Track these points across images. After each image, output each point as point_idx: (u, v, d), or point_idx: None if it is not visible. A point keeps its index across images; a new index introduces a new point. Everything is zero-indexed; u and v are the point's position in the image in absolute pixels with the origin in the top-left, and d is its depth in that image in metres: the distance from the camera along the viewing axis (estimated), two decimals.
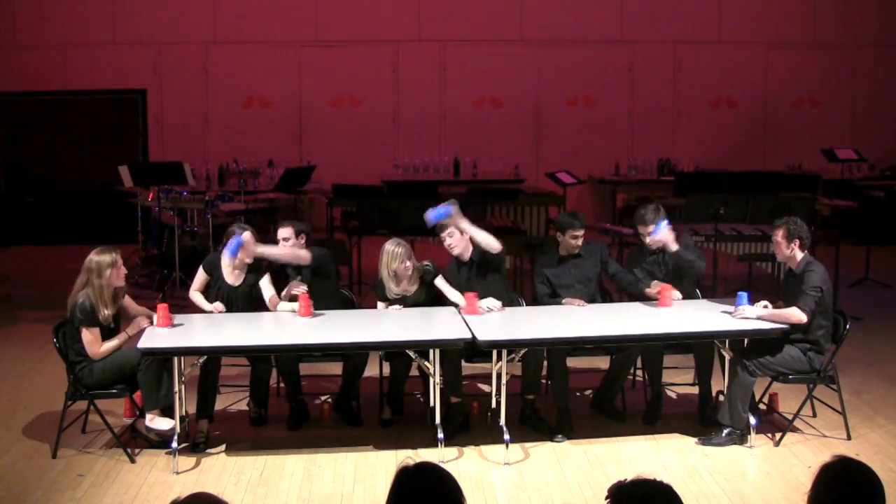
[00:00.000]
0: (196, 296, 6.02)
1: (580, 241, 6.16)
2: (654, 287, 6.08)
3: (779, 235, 5.70)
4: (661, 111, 13.45)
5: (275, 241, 6.29)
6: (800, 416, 5.79)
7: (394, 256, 5.94)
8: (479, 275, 6.10)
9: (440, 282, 6.06)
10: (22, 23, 12.71)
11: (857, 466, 2.75)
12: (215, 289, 6.02)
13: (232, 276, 6.03)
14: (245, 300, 6.02)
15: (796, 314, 5.52)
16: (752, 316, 5.64)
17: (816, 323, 5.60)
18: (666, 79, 13.41)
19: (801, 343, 5.63)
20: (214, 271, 6.03)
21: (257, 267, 6.12)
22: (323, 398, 6.30)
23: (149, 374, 5.35)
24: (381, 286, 6.08)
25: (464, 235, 6.02)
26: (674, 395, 6.56)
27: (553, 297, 6.18)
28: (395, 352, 5.83)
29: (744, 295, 5.75)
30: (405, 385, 6.10)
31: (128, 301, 5.71)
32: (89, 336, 5.40)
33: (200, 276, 6.04)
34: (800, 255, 5.68)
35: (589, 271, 6.24)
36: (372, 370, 6.20)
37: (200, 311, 5.98)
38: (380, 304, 6.12)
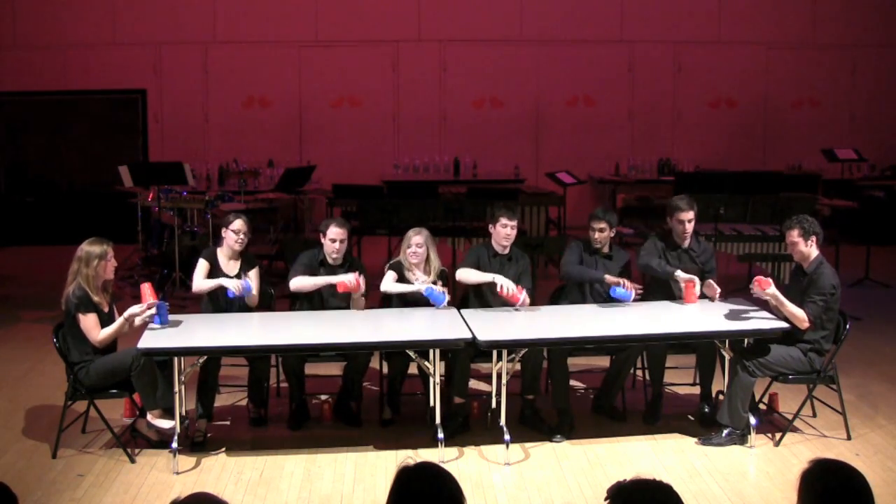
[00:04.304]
0: (203, 284, 5.94)
1: (599, 235, 6.17)
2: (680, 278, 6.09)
3: (794, 235, 5.66)
4: (661, 111, 13.45)
5: (274, 241, 6.28)
6: (800, 416, 5.79)
7: (405, 240, 6.10)
8: (505, 268, 6.12)
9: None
10: (22, 23, 12.71)
11: (836, 466, 2.73)
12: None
13: (228, 266, 6.05)
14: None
15: (803, 317, 5.51)
16: (770, 293, 5.54)
17: (820, 325, 5.59)
18: (666, 79, 13.41)
19: (802, 344, 5.62)
20: (213, 262, 6.03)
21: (250, 259, 6.15)
22: (323, 398, 6.30)
23: (142, 377, 5.34)
24: (398, 264, 6.14)
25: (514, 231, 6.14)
26: (674, 395, 6.55)
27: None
28: (394, 352, 5.84)
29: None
30: (404, 385, 6.11)
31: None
32: (88, 322, 5.38)
33: (203, 266, 5.99)
34: (814, 253, 5.67)
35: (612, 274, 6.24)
36: (372, 370, 6.20)
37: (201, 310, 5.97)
38: (388, 273, 6.12)
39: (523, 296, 5.92)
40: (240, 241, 6.02)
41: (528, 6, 13.17)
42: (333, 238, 6.01)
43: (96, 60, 12.78)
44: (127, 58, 12.83)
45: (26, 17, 12.69)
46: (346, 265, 6.10)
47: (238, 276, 6.03)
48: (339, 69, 13.12)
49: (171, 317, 5.69)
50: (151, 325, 5.56)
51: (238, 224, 6.01)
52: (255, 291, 6.03)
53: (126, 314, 5.48)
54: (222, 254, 6.08)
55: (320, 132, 13.19)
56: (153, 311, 5.53)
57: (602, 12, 13.23)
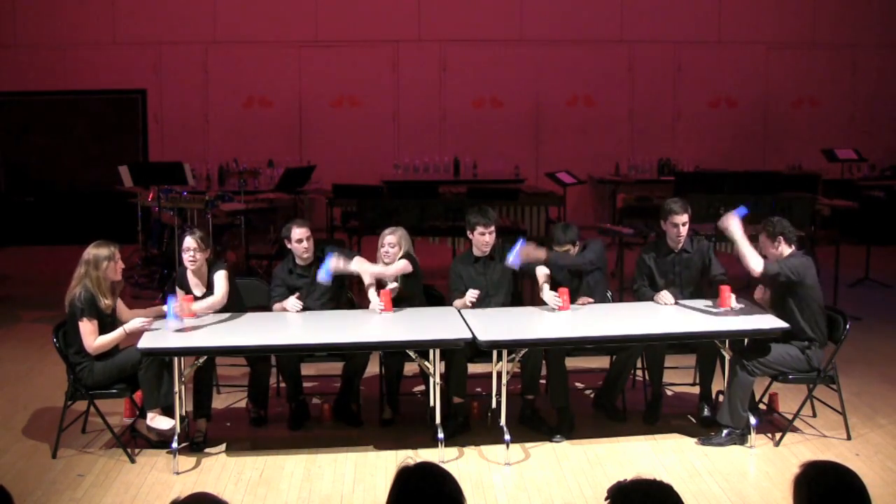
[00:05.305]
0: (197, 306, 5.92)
1: (571, 250, 6.14)
2: (662, 296, 6.09)
3: (762, 240, 5.75)
4: (661, 111, 13.45)
5: (274, 241, 6.27)
6: (800, 416, 5.79)
7: (380, 239, 6.12)
8: (489, 268, 6.14)
9: (396, 264, 6.06)
10: (22, 23, 12.71)
11: (828, 468, 2.71)
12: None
13: (198, 286, 5.94)
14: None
15: (758, 264, 5.53)
16: (732, 226, 5.63)
17: (797, 319, 5.60)
18: (666, 79, 13.41)
19: (798, 342, 5.63)
20: (185, 286, 5.96)
21: (213, 263, 6.01)
22: (323, 398, 6.29)
23: (149, 373, 5.35)
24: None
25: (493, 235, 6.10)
26: (674, 395, 6.56)
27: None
28: (390, 351, 5.84)
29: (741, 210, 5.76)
30: (401, 384, 6.11)
31: (119, 305, 5.69)
32: (88, 327, 5.38)
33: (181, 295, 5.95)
34: (788, 250, 5.69)
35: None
36: (372, 370, 6.20)
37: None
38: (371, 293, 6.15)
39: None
40: (190, 258, 5.86)
41: (528, 6, 13.17)
42: (299, 238, 6.01)
43: (96, 60, 12.78)
44: (127, 58, 12.83)
45: (26, 17, 12.69)
46: (318, 259, 6.07)
47: (208, 293, 5.92)
48: (339, 69, 13.12)
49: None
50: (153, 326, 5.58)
51: (186, 242, 5.87)
52: (219, 296, 5.83)
53: (126, 328, 5.48)
54: (189, 273, 5.98)
55: (320, 132, 13.19)
56: (151, 320, 5.55)
57: (602, 12, 13.23)
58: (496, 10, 13.16)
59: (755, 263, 5.56)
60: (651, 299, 6.14)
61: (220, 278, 5.90)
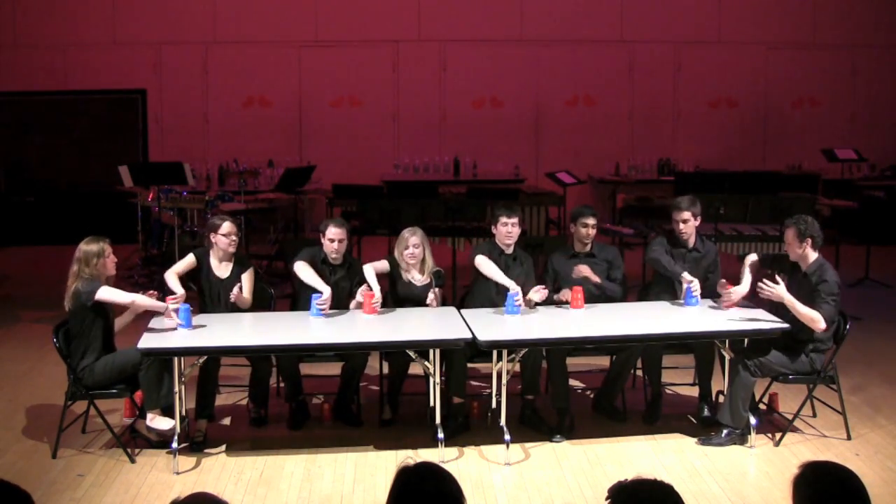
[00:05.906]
0: (172, 278, 5.82)
1: (591, 231, 6.18)
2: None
3: (790, 236, 5.67)
4: (661, 111, 13.45)
5: (274, 241, 6.26)
6: (800, 416, 5.79)
7: (401, 241, 6.09)
8: (511, 267, 6.13)
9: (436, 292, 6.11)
10: (22, 23, 12.71)
11: (827, 469, 2.70)
12: (205, 283, 5.98)
13: (220, 268, 6.02)
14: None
15: (819, 320, 5.46)
16: (781, 293, 5.51)
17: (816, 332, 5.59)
18: (666, 79, 13.41)
19: (804, 344, 5.62)
20: (202, 263, 5.99)
21: (243, 259, 6.12)
22: (323, 398, 6.29)
23: (150, 373, 5.35)
24: (394, 262, 6.15)
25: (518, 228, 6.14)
26: (674, 395, 6.55)
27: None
28: (393, 351, 5.85)
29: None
30: (404, 384, 6.11)
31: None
32: (111, 291, 5.39)
33: (187, 261, 5.96)
34: (812, 255, 5.65)
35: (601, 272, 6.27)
36: (372, 370, 6.20)
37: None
38: (381, 262, 6.14)
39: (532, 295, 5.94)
40: (232, 242, 5.97)
41: (528, 6, 13.17)
42: (332, 238, 6.02)
43: (96, 60, 12.78)
44: (127, 58, 12.82)
45: (26, 16, 12.69)
46: (347, 266, 6.11)
47: (231, 278, 6.00)
48: (339, 69, 13.12)
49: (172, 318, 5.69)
50: (152, 326, 5.58)
51: (227, 227, 5.95)
52: (247, 294, 6.00)
53: (169, 306, 5.51)
54: (214, 256, 6.03)
55: (320, 132, 13.19)
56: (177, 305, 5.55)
57: (602, 12, 13.23)
58: (496, 10, 13.16)
59: (819, 323, 5.45)
60: (674, 272, 6.12)
61: (249, 279, 6.03)
